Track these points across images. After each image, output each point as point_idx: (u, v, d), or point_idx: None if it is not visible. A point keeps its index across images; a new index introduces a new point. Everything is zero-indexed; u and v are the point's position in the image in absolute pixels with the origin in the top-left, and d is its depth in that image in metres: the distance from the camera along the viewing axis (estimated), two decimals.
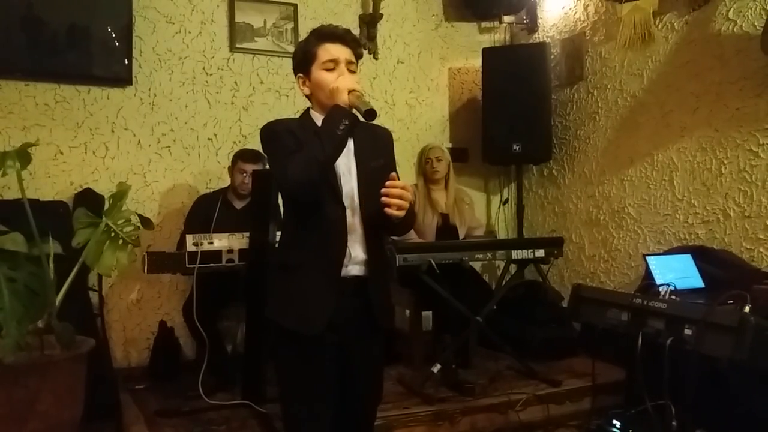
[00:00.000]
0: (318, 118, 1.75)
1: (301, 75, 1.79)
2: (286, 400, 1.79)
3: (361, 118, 1.63)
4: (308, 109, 1.85)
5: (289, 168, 1.61)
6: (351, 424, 1.83)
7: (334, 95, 1.65)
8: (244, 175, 3.37)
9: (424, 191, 3.77)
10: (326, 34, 1.76)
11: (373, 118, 1.63)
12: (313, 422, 1.72)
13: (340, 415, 1.78)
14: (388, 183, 1.64)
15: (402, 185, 1.65)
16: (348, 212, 1.73)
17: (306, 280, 1.70)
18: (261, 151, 3.42)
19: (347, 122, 1.61)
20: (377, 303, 1.77)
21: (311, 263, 1.70)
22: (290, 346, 1.73)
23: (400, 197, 1.63)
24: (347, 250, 1.71)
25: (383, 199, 1.62)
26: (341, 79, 1.68)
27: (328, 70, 1.73)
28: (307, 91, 1.79)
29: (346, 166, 1.75)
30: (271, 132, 1.75)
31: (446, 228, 3.70)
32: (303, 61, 1.78)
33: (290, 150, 1.66)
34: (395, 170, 1.80)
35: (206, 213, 3.37)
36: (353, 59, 1.78)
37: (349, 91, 1.64)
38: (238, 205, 3.48)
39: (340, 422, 1.78)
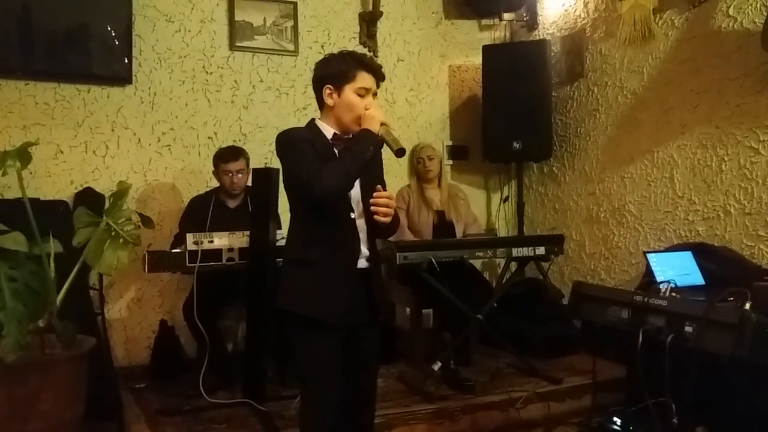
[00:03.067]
0: (327, 130, 1.96)
1: (330, 87, 1.94)
2: (308, 381, 1.95)
3: (392, 153, 1.87)
4: (313, 120, 2.02)
5: (325, 176, 1.79)
6: (356, 403, 2.03)
7: (367, 121, 1.88)
8: (231, 175, 3.37)
9: (418, 191, 3.77)
10: (367, 63, 1.96)
11: (402, 155, 1.87)
12: (331, 397, 1.92)
13: (345, 394, 1.97)
14: (375, 194, 1.89)
15: (387, 195, 1.91)
16: (355, 214, 1.96)
17: (326, 273, 1.90)
18: (241, 151, 3.45)
19: (374, 149, 1.88)
20: (378, 293, 2.02)
21: (330, 258, 1.91)
22: (309, 332, 1.91)
23: (386, 205, 1.89)
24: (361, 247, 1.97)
25: (372, 208, 1.88)
26: (376, 110, 1.91)
27: (359, 95, 1.92)
28: (331, 102, 1.95)
29: None
30: (290, 140, 1.91)
31: (443, 225, 3.70)
32: (339, 77, 1.93)
33: (312, 157, 1.85)
34: (384, 182, 2.08)
35: (200, 214, 3.36)
36: (376, 91, 1.99)
37: (381, 123, 1.87)
38: (232, 204, 3.48)
39: (347, 402, 1.98)
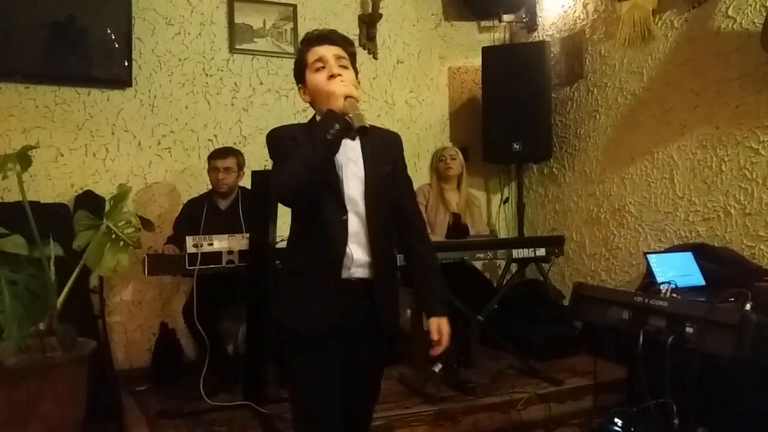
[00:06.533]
0: None
1: (300, 85, 1.81)
2: (296, 398, 1.82)
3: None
4: (315, 115, 1.84)
5: (282, 175, 1.64)
6: (348, 422, 1.84)
7: (330, 99, 1.64)
8: (218, 171, 3.41)
9: (438, 190, 3.80)
10: (312, 38, 1.79)
11: (363, 135, 1.65)
12: (323, 418, 1.74)
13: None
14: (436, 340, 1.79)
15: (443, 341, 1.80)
16: (352, 216, 1.73)
17: (310, 283, 1.73)
18: (233, 151, 3.48)
19: (338, 127, 1.60)
20: (381, 307, 1.78)
21: (313, 267, 1.73)
22: (299, 346, 1.75)
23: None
24: (349, 253, 1.72)
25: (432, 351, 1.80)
26: (338, 83, 1.66)
27: (317, 70, 1.73)
28: (307, 98, 1.80)
29: (353, 171, 1.75)
30: (275, 138, 1.76)
31: (458, 227, 3.71)
32: (298, 71, 1.81)
33: (289, 156, 1.67)
34: (406, 174, 1.90)
35: (194, 216, 3.40)
36: (343, 55, 1.76)
37: (346, 97, 1.62)
38: (223, 205, 3.51)
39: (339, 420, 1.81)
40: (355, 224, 1.74)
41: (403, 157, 1.92)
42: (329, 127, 1.60)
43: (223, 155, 3.44)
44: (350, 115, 1.61)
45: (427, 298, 1.90)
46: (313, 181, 1.64)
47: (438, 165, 3.80)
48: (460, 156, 3.84)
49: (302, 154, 1.62)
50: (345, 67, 1.75)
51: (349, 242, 1.72)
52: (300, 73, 1.79)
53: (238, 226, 3.28)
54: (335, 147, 1.63)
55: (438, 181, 3.82)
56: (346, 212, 1.72)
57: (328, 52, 1.74)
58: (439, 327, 1.81)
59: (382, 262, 1.78)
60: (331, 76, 1.70)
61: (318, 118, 1.78)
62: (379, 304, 1.78)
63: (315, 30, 1.83)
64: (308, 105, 1.86)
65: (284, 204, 1.71)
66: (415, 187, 3.84)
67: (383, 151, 1.83)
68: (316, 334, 1.71)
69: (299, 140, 1.70)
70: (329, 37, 1.77)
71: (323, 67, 1.72)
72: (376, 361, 1.90)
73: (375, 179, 1.76)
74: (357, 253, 1.73)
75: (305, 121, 1.92)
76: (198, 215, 3.38)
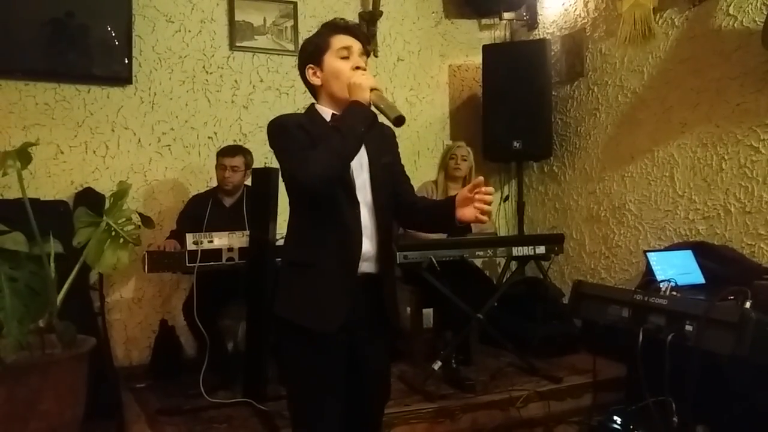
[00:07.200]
0: (325, 112, 1.75)
1: (312, 65, 1.77)
2: (294, 397, 1.79)
3: (387, 122, 1.64)
4: (313, 104, 1.82)
5: (311, 163, 1.57)
6: (359, 421, 1.81)
7: (355, 91, 1.64)
8: (225, 169, 3.43)
9: (443, 187, 3.79)
10: (340, 26, 1.78)
11: (402, 124, 1.62)
12: (321, 419, 1.70)
13: (347, 412, 1.76)
14: (483, 189, 1.63)
15: (490, 191, 1.65)
16: (362, 207, 1.72)
17: (321, 279, 1.68)
18: (242, 150, 3.49)
19: (369, 121, 1.62)
20: (387, 301, 1.77)
21: (327, 261, 1.68)
22: (299, 343, 1.71)
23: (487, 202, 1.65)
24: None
25: (476, 204, 1.64)
26: (362, 75, 1.67)
27: (342, 57, 1.73)
28: (318, 81, 1.76)
29: (358, 161, 1.73)
30: (280, 127, 1.71)
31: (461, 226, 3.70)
32: (315, 52, 1.76)
33: (303, 145, 1.63)
34: (402, 167, 1.91)
35: (198, 212, 3.41)
36: (363, 52, 1.77)
37: (371, 90, 1.64)
38: (228, 202, 3.52)
39: (348, 420, 1.77)
40: (365, 216, 1.72)
41: (398, 151, 1.94)
42: (360, 120, 1.60)
43: (231, 153, 3.44)
44: (381, 106, 1.62)
45: (443, 200, 1.89)
46: (344, 172, 1.65)
47: (448, 162, 3.78)
48: (471, 157, 3.81)
49: (332, 144, 1.59)
50: (365, 62, 1.77)
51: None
52: (317, 55, 1.75)
53: (242, 224, 3.29)
54: (363, 141, 1.64)
55: (444, 179, 3.80)
56: (358, 204, 1.71)
57: (355, 44, 1.74)
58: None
59: (386, 255, 1.76)
60: (357, 68, 1.71)
61: (318, 106, 1.78)
62: (385, 298, 1.76)
63: (342, 18, 1.82)
64: (309, 104, 1.84)
65: (307, 191, 1.66)
66: (418, 184, 3.85)
67: (382, 142, 1.83)
68: (326, 331, 1.66)
69: (307, 129, 1.68)
70: (355, 30, 1.78)
71: (348, 57, 1.73)
72: (384, 358, 1.87)
73: (379, 169, 1.77)
74: (366, 245, 1.70)
75: None
76: (202, 211, 3.38)
